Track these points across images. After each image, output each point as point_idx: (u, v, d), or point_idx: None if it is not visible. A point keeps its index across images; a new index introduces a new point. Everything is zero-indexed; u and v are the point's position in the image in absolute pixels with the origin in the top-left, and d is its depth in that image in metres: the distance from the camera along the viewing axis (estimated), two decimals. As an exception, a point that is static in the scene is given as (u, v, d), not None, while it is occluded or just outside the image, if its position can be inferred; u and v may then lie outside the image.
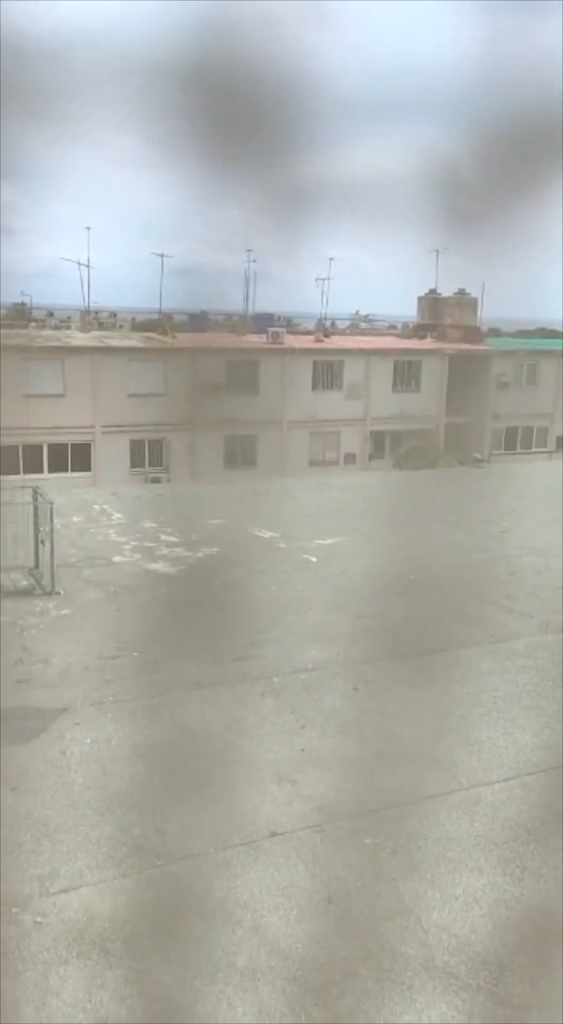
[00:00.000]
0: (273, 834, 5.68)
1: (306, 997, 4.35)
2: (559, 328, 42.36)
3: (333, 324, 43.23)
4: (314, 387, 34.10)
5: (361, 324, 45.07)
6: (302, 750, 6.85)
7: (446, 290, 42.31)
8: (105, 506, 16.06)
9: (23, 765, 6.43)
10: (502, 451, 36.58)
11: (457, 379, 35.93)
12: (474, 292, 41.45)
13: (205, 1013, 4.22)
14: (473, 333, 39.71)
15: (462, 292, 41.65)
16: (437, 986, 4.47)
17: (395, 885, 5.22)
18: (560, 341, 39.08)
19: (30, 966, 4.45)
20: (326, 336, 38.34)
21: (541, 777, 6.56)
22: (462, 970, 4.58)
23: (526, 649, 9.24)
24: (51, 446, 29.91)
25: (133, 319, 38.00)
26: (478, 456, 33.34)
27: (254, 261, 40.43)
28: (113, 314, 39.49)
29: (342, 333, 42.08)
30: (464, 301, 41.36)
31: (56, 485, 18.89)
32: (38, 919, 4.80)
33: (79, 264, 37.64)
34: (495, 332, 42.51)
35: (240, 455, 32.62)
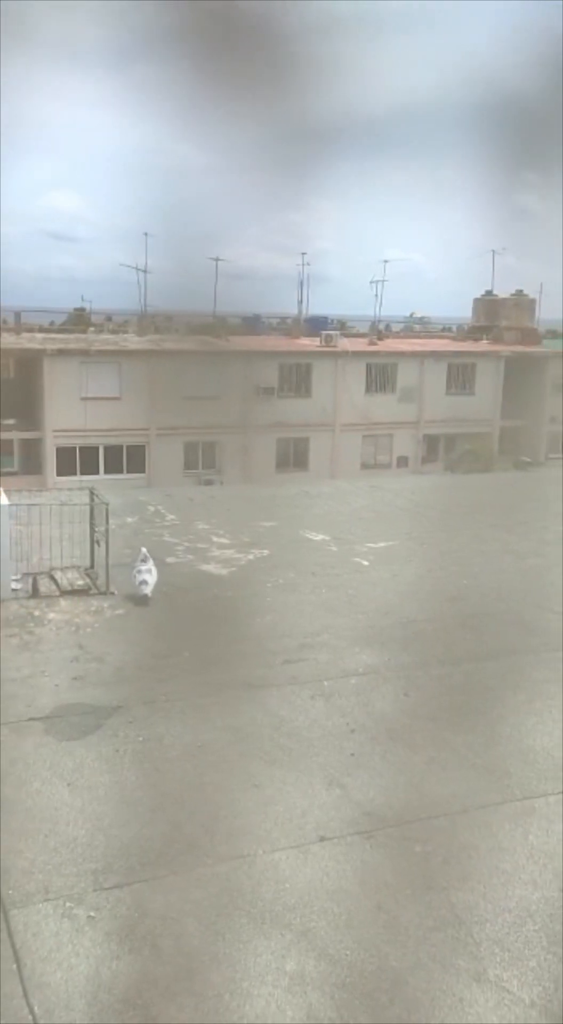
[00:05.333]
0: (322, 838, 5.67)
1: (355, 1004, 4.33)
2: None
3: (387, 326, 42.98)
4: (367, 390, 33.94)
5: (415, 326, 44.71)
6: (352, 755, 6.82)
7: (503, 291, 41.70)
8: (159, 507, 16.27)
9: (79, 761, 6.55)
10: (559, 455, 35.83)
11: (513, 382, 35.36)
12: (532, 293, 40.74)
13: (254, 1015, 4.24)
14: (530, 335, 39.02)
15: (519, 293, 40.98)
16: (489, 1000, 4.40)
17: (446, 895, 5.16)
18: None
19: (83, 960, 4.53)
20: (380, 339, 38.15)
21: (598, 790, 6.40)
22: (515, 985, 4.50)
23: (583, 658, 9.02)
24: (107, 448, 30.44)
25: (188, 322, 38.36)
26: (527, 459, 32.73)
27: (308, 264, 40.46)
28: (169, 317, 39.96)
29: (396, 336, 41.81)
30: (521, 302, 40.71)
31: (112, 486, 19.20)
32: (92, 913, 4.88)
33: (137, 269, 38.21)
34: (553, 334, 41.67)
35: (292, 457, 32.67)
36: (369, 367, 34.01)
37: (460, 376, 35.32)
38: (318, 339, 34.81)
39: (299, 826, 5.79)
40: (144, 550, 11.00)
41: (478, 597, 11.20)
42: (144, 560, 10.85)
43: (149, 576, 10.74)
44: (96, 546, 11.27)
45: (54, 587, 10.67)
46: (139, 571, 10.74)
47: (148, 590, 10.67)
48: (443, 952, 4.70)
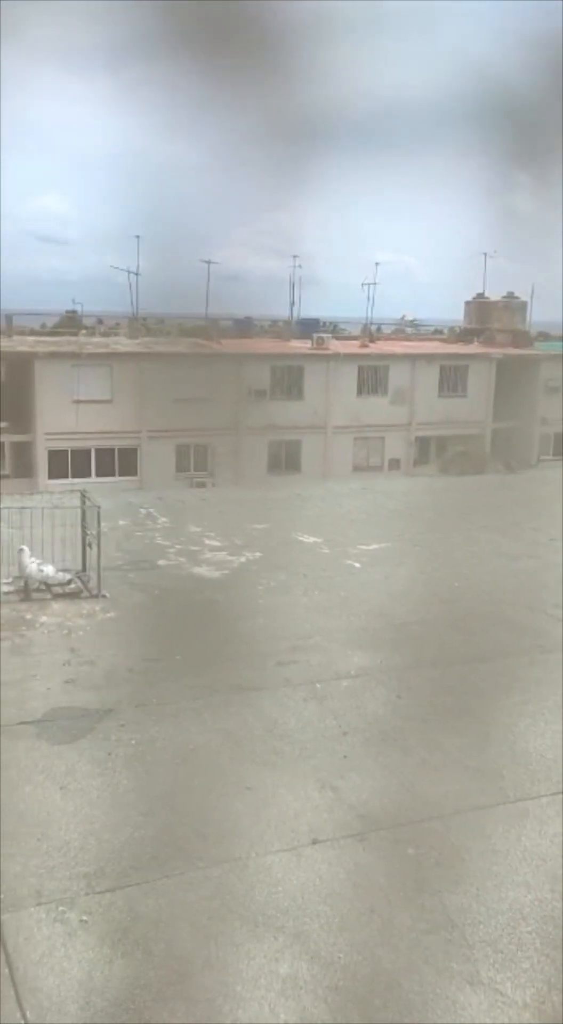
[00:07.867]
0: (315, 841, 5.66)
1: (348, 1007, 4.32)
2: (610, 332, 41.47)
3: (379, 329, 43.04)
4: (359, 392, 33.99)
5: (407, 329, 44.81)
6: (345, 757, 6.81)
7: (494, 294, 41.83)
8: (151, 510, 16.23)
9: (71, 765, 6.52)
10: (550, 456, 35.95)
11: (505, 384, 35.46)
12: (523, 295, 40.86)
13: (247, 1019, 4.22)
14: (521, 337, 39.15)
15: (511, 295, 41.13)
16: (482, 1002, 4.39)
17: (439, 898, 5.15)
18: (611, 345, 38.23)
19: (75, 964, 4.51)
20: (371, 341, 38.21)
21: (590, 791, 6.41)
22: (508, 987, 4.49)
23: (575, 660, 9.04)
24: (99, 450, 30.38)
25: (180, 325, 38.36)
26: (512, 463, 32.70)
27: (300, 266, 40.47)
28: (161, 320, 39.94)
29: (387, 338, 41.88)
30: (512, 305, 40.87)
31: (103, 489, 19.14)
32: (84, 917, 4.85)
33: (128, 272, 38.15)
34: (544, 336, 41.84)
35: (284, 460, 32.68)
36: (361, 369, 34.05)
37: (452, 378, 35.40)
38: (309, 341, 34.84)
39: (292, 829, 5.78)
40: (24, 547, 10.61)
41: (470, 599, 11.21)
42: (30, 555, 10.57)
43: (43, 565, 10.60)
44: (88, 549, 11.23)
45: (46, 590, 10.63)
46: (40, 566, 10.52)
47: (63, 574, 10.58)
48: (436, 955, 4.69)
